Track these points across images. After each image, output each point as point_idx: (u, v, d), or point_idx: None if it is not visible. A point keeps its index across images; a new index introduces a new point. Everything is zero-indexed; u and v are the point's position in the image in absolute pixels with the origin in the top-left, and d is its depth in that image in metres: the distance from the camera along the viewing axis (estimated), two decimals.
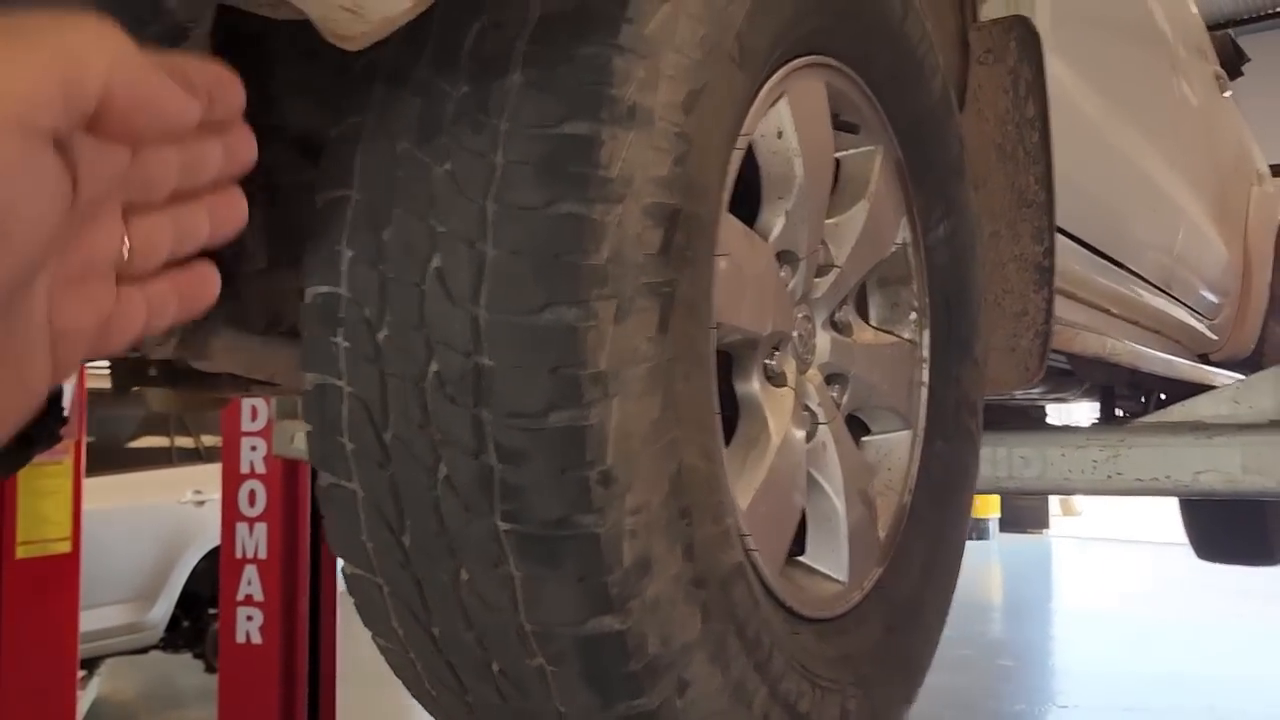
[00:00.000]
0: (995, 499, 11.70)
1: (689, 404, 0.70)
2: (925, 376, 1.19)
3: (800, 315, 0.98)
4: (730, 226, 0.81)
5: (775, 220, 0.93)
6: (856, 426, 1.14)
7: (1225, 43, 3.24)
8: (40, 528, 3.71)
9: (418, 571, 0.71)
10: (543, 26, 0.68)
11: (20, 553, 3.62)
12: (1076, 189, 1.66)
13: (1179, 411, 1.74)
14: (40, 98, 0.35)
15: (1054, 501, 13.46)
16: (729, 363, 0.90)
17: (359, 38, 0.59)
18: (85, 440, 3.77)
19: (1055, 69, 1.49)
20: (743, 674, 0.76)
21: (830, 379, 1.05)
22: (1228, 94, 3.14)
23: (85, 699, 5.02)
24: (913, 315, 1.18)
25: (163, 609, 5.14)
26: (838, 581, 1.00)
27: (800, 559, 1.01)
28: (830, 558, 1.01)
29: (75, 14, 0.38)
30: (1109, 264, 1.91)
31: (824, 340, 1.03)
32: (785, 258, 0.95)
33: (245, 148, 0.45)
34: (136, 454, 5.39)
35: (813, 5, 0.87)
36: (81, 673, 4.95)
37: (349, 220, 0.70)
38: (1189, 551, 4.19)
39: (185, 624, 5.29)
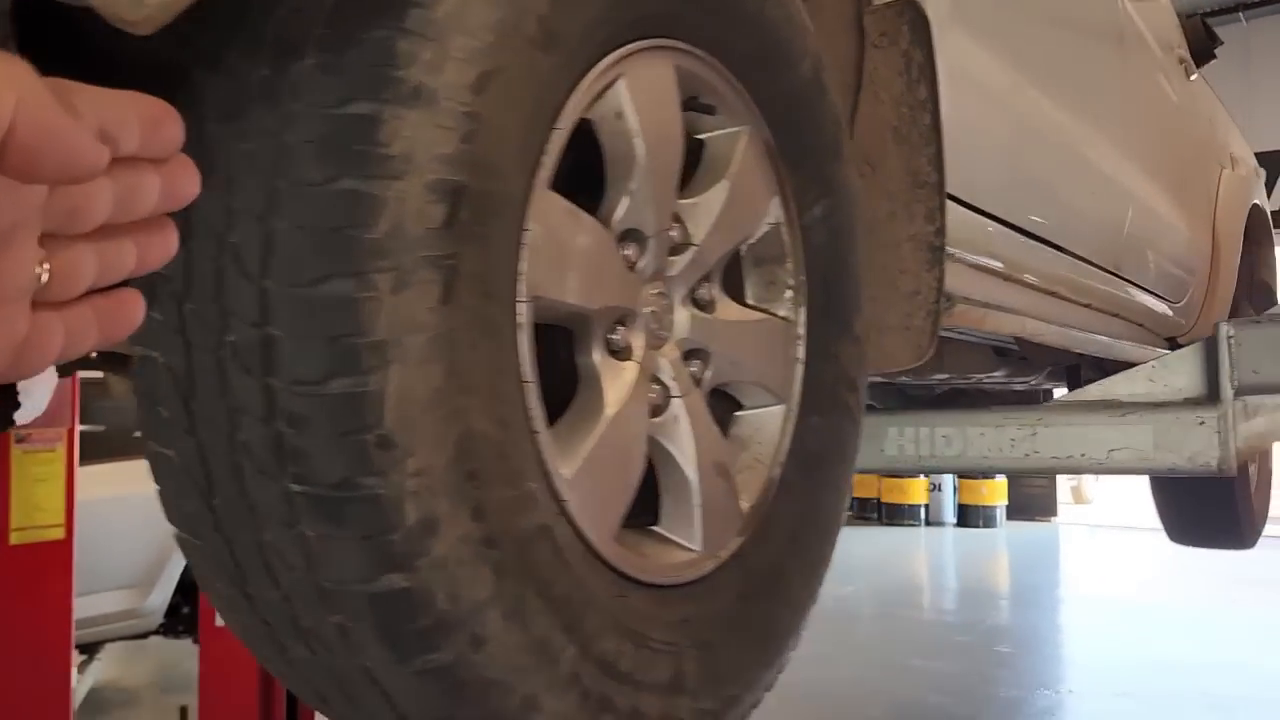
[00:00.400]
0: (1003, 487, 11.70)
1: (478, 373, 0.74)
2: (801, 353, 1.22)
3: (654, 292, 1.01)
4: (549, 203, 0.84)
5: (618, 199, 0.96)
6: (729, 402, 1.17)
7: (1196, 27, 3.24)
8: (33, 514, 3.77)
9: (228, 533, 0.75)
10: (338, 11, 0.71)
11: (14, 539, 3.69)
12: (1000, 172, 1.69)
13: (1096, 390, 1.76)
14: None
15: (1064, 490, 13.44)
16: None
17: (143, 22, 0.63)
18: (78, 428, 3.83)
19: (968, 52, 1.51)
20: (546, 632, 0.80)
21: (690, 354, 1.08)
22: (1194, 77, 3.14)
23: (84, 684, 5.12)
24: (788, 293, 1.21)
25: (162, 595, 5.22)
26: (689, 549, 1.03)
27: (654, 527, 1.05)
28: (682, 526, 1.04)
29: None
30: (1042, 245, 1.93)
31: (683, 316, 1.06)
32: (632, 236, 0.98)
33: (186, 181, 0.47)
34: (138, 443, 5.47)
35: None
36: (81, 658, 5.05)
37: None
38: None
39: (185, 610, 5.37)
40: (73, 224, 0.43)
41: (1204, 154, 3.18)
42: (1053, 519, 12.50)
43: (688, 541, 1.04)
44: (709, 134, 1.11)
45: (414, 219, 0.69)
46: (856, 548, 10.79)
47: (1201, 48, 3.26)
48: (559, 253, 0.86)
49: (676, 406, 1.03)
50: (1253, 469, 3.62)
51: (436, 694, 0.76)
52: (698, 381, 1.08)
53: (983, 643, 6.81)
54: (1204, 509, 3.34)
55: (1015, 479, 11.97)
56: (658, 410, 1.02)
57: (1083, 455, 1.72)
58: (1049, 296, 1.97)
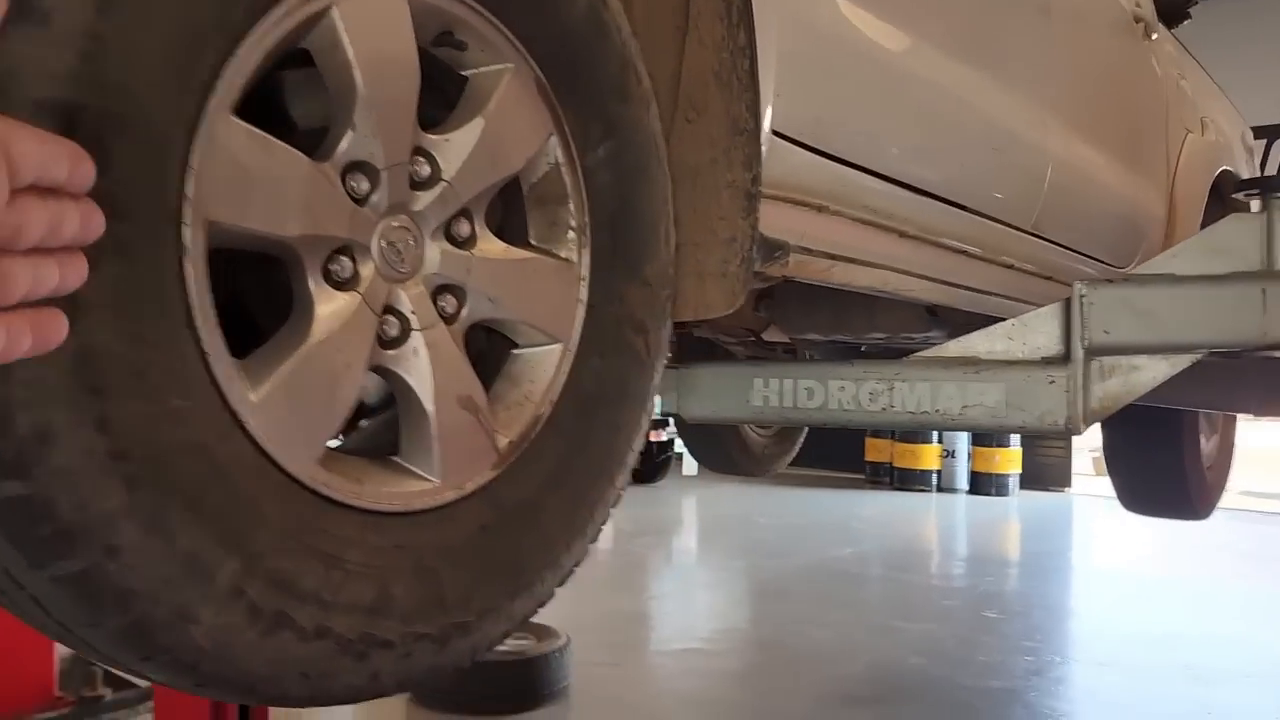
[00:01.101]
0: (1017, 455, 11.61)
1: (101, 290, 0.76)
2: (584, 295, 1.23)
3: (394, 225, 1.03)
4: (229, 128, 0.86)
5: (341, 131, 0.97)
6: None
7: None
8: None
9: None
10: None
11: None
12: (857, 116, 1.67)
13: (956, 347, 1.75)
14: None
15: (1085, 461, 13.29)
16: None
17: None
18: None
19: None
20: (198, 546, 0.82)
21: (443, 289, 1.09)
22: (1155, 37, 3.06)
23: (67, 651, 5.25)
24: (570, 235, 1.22)
25: None
26: (426, 479, 1.06)
27: (394, 456, 1.07)
28: (419, 457, 1.06)
29: None
30: (920, 197, 1.90)
31: (433, 252, 1.08)
32: (360, 168, 0.99)
33: (96, 218, 0.57)
34: None
35: None
36: None
37: None
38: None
39: None
40: (14, 241, 0.50)
41: (1161, 116, 3.11)
42: (1066, 489, 12.40)
43: (425, 471, 1.06)
44: (471, 71, 1.12)
45: None
46: (865, 511, 10.80)
47: (1172, 9, 3.18)
48: (241, 179, 0.87)
49: (416, 339, 1.05)
50: (1209, 442, 3.57)
51: (77, 599, 0.80)
52: (448, 318, 1.09)
53: (972, 607, 6.81)
54: (1153, 478, 3.31)
55: (1030, 447, 11.87)
56: (395, 342, 1.04)
57: (938, 411, 1.71)
58: (935, 251, 1.95)
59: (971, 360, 1.72)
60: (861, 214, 1.71)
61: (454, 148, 1.08)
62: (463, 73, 1.12)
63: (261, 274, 1.01)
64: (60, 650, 5.06)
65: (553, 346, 1.20)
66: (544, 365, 1.20)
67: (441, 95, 1.12)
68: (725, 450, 4.34)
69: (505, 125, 1.12)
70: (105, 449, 0.76)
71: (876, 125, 1.71)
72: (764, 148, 1.47)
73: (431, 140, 1.06)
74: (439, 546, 1.04)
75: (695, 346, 3.48)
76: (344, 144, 0.97)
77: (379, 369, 1.03)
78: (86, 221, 0.56)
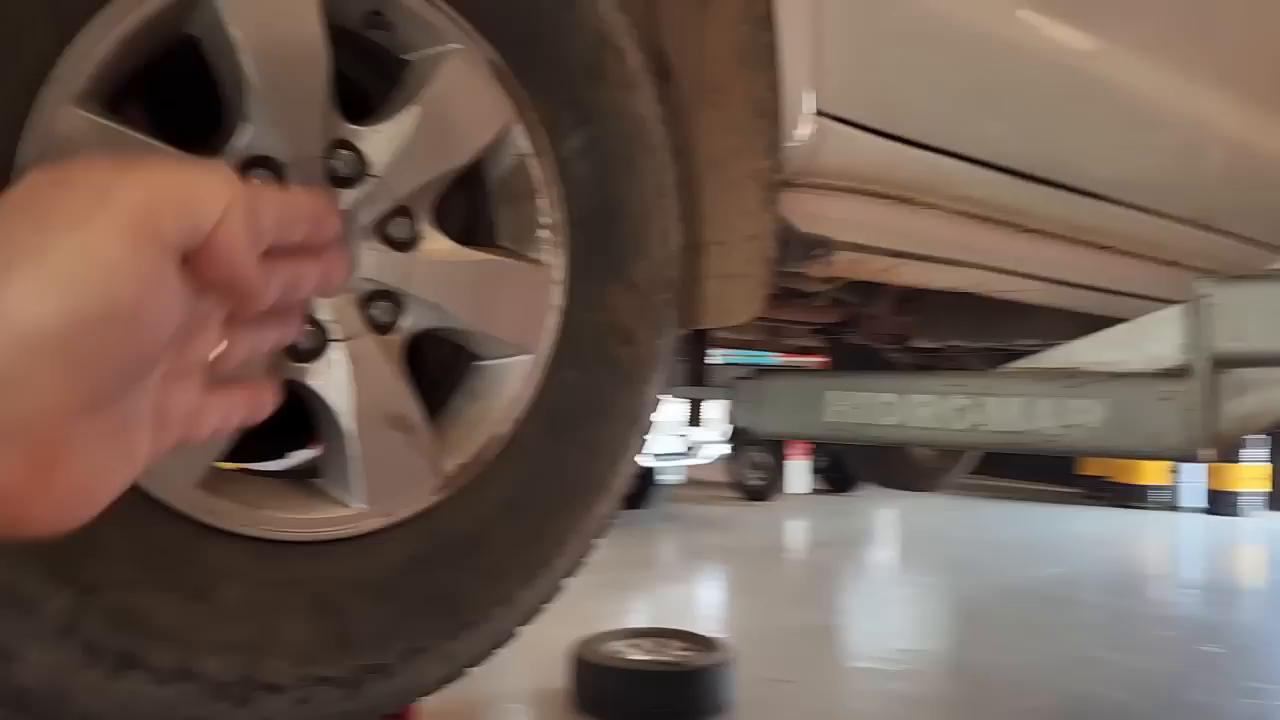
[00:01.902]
0: (1264, 471, 10.50)
1: None
2: (559, 300, 1.10)
3: None
4: (72, 120, 0.79)
5: (234, 123, 0.89)
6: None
7: None
8: None
9: None
10: None
11: None
12: (933, 92, 1.46)
13: (1056, 356, 1.51)
14: (162, 211, 0.41)
15: None
16: None
17: None
18: None
19: None
20: (14, 578, 0.75)
21: (375, 296, 0.99)
22: None
23: None
24: (543, 233, 1.09)
25: None
26: (345, 505, 0.96)
27: (314, 479, 0.98)
28: (338, 481, 0.96)
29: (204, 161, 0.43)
30: (1044, 187, 1.66)
31: (366, 254, 0.98)
32: (263, 163, 0.90)
33: (339, 270, 0.52)
34: None
35: None
36: None
37: None
38: None
39: None
40: (243, 310, 0.48)
41: None
42: None
43: (344, 496, 0.96)
44: (412, 55, 1.01)
45: None
46: (1078, 528, 10.03)
47: None
48: None
49: (335, 351, 0.95)
50: None
51: None
52: (381, 326, 0.99)
53: (1191, 640, 6.16)
54: None
55: None
56: (309, 355, 0.95)
57: (1032, 431, 1.47)
58: (1051, 245, 1.69)
59: (1073, 372, 1.47)
60: (946, 203, 1.49)
61: (384, 139, 0.98)
62: (403, 57, 1.02)
63: None
64: None
65: (519, 358, 1.08)
66: (508, 379, 1.08)
67: (387, 83, 1.03)
68: (883, 461, 4.08)
69: (447, 113, 1.00)
70: None
71: (959, 100, 1.48)
72: (807, 130, 1.30)
73: (356, 131, 0.96)
74: (349, 579, 0.94)
75: (853, 354, 3.27)
76: (238, 137, 0.89)
77: (288, 383, 0.94)
78: (327, 275, 0.50)
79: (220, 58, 0.88)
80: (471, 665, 1.04)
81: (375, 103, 1.02)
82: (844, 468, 11.19)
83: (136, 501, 0.82)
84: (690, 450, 10.26)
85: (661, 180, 1.16)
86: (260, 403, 0.52)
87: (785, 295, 2.03)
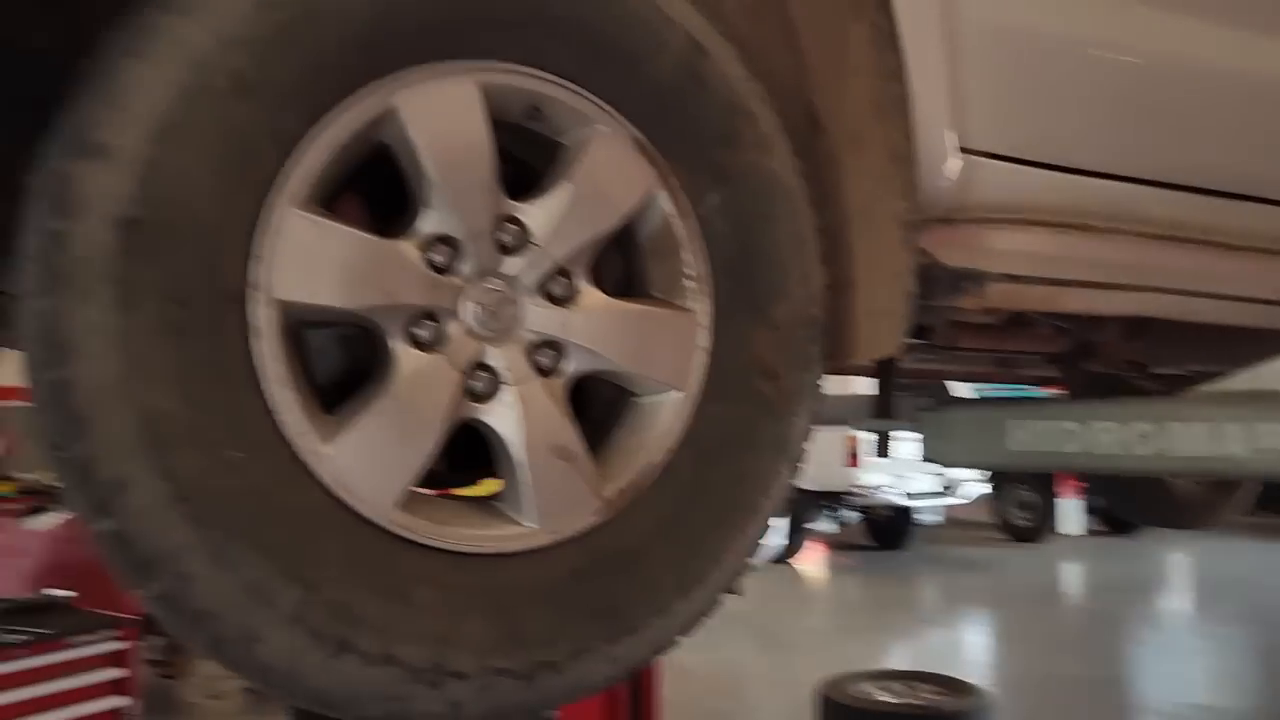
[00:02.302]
0: None
1: (163, 364, 0.93)
2: (705, 342, 1.23)
3: (486, 288, 1.12)
4: (294, 221, 1.01)
5: (419, 210, 1.09)
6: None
7: None
8: None
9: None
10: (68, 85, 0.96)
11: None
12: (1102, 117, 1.48)
13: (1243, 380, 1.48)
14: None
15: None
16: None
17: None
18: None
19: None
20: (258, 577, 0.97)
21: (541, 345, 1.16)
22: None
23: None
24: (688, 284, 1.23)
25: None
26: (518, 524, 1.13)
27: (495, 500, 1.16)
28: (513, 503, 1.14)
29: None
30: (1245, 203, 1.62)
31: (530, 310, 1.16)
32: (444, 241, 1.10)
33: None
34: None
35: (372, 29, 1.02)
36: None
37: None
38: None
39: None
40: None
41: None
42: None
43: (519, 516, 1.13)
44: (565, 137, 1.19)
45: (92, 246, 0.91)
46: None
47: None
48: (310, 263, 1.02)
49: (507, 393, 1.13)
50: None
51: (167, 617, 0.98)
52: (547, 371, 1.16)
53: None
54: None
55: None
56: (485, 396, 1.13)
57: (1221, 456, 1.45)
58: (1240, 261, 1.64)
59: (1263, 396, 1.44)
60: (1103, 224, 1.49)
61: (543, 212, 1.15)
62: (559, 140, 1.20)
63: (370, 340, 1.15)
64: None
65: (670, 395, 1.22)
66: (661, 414, 1.22)
67: (550, 163, 1.21)
68: (1143, 498, 3.87)
69: (596, 185, 1.17)
70: (170, 493, 0.94)
71: (1105, 120, 1.49)
72: (953, 168, 1.38)
73: (519, 207, 1.15)
74: (522, 587, 1.11)
75: (1095, 382, 3.18)
76: (422, 221, 1.09)
77: (471, 421, 1.13)
78: None
79: (405, 159, 1.09)
80: (634, 667, 1.18)
81: (537, 179, 1.19)
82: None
83: (348, 517, 1.03)
84: (948, 489, 9.98)
85: (799, 228, 1.27)
86: None
87: (1008, 326, 2.06)
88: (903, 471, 9.37)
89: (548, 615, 1.12)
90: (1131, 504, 3.91)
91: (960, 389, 7.02)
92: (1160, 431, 1.51)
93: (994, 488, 10.82)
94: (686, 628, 1.22)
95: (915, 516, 10.31)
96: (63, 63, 1.05)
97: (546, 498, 1.14)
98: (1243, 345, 2.43)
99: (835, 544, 11.03)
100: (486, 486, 1.29)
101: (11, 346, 1.44)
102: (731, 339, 1.24)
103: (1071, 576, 10.21)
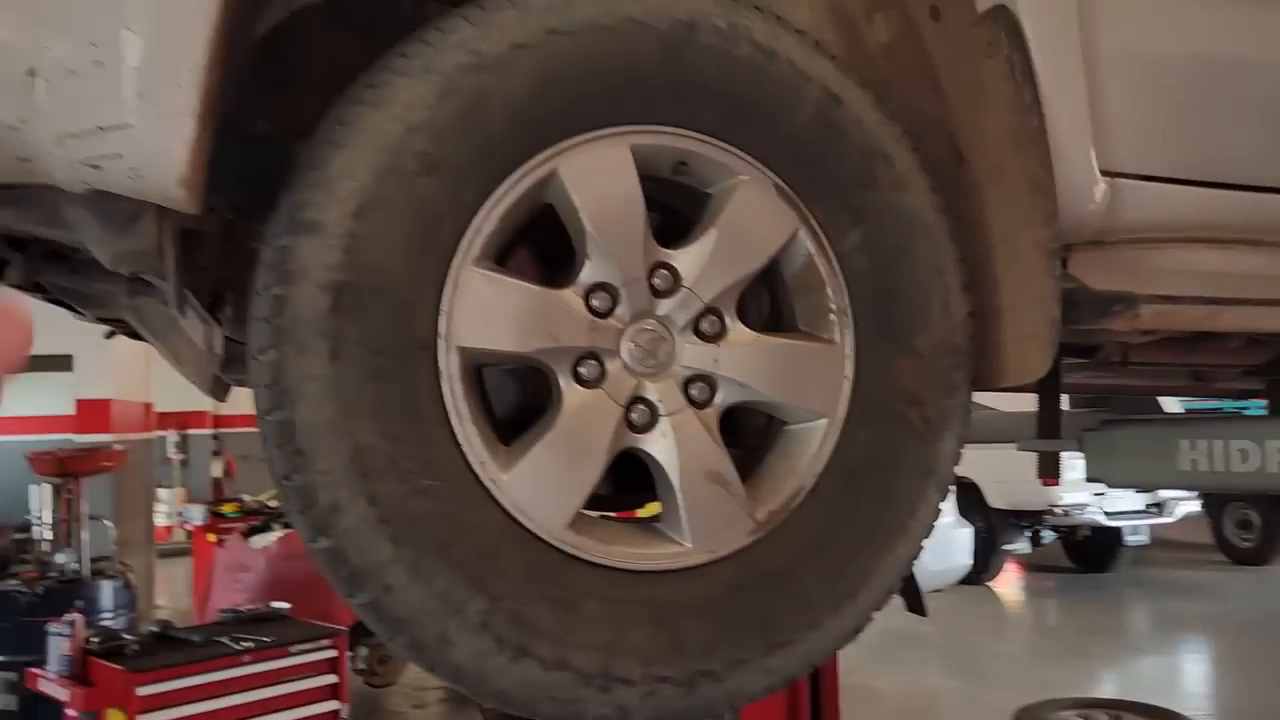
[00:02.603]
0: None
1: (368, 406, 1.09)
2: (849, 371, 1.31)
3: (645, 329, 1.24)
4: (472, 277, 1.16)
5: (580, 262, 1.22)
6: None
7: None
8: None
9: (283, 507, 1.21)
10: (285, 172, 1.14)
11: None
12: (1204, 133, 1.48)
13: None
14: None
15: None
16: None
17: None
18: None
19: (1111, 24, 1.41)
20: (449, 588, 1.11)
21: (693, 379, 1.27)
22: None
23: None
24: (832, 317, 1.31)
25: None
26: (679, 544, 1.23)
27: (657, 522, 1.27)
28: (672, 524, 1.24)
29: None
30: None
31: (683, 347, 1.27)
32: (603, 288, 1.23)
33: None
34: None
35: (533, 109, 1.16)
36: None
37: None
38: None
39: None
40: None
41: None
42: None
43: (677, 536, 1.24)
44: (712, 188, 1.30)
45: (307, 307, 1.08)
46: None
47: None
48: (486, 314, 1.16)
49: (663, 424, 1.25)
50: None
51: (374, 623, 1.13)
52: (699, 403, 1.27)
53: None
54: None
55: None
56: (645, 427, 1.25)
57: None
58: None
59: None
60: (1266, 237, 1.48)
61: (692, 258, 1.26)
62: (706, 190, 1.30)
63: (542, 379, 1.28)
64: None
65: (818, 422, 1.30)
66: (809, 440, 1.30)
67: (697, 210, 1.32)
68: None
69: (741, 231, 1.27)
70: (376, 516, 1.09)
71: (1253, 131, 1.47)
72: (1097, 192, 1.41)
73: (670, 254, 1.26)
74: (681, 601, 1.21)
75: None
76: (583, 271, 1.22)
77: (632, 450, 1.24)
78: None
79: (567, 217, 1.22)
80: (790, 679, 1.26)
81: (685, 225, 1.30)
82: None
83: (524, 537, 1.16)
84: (1154, 507, 9.43)
85: (939, 260, 1.33)
86: None
87: (1193, 340, 2.03)
88: (1104, 490, 8.95)
89: (706, 628, 1.22)
90: None
91: (1170, 404, 6.68)
92: None
93: (1207, 506, 10.15)
94: (839, 643, 1.29)
95: (1126, 538, 9.78)
96: (281, 147, 1.25)
97: (702, 519, 1.24)
98: None
99: (1032, 565, 10.61)
100: (651, 509, 1.40)
101: (241, 385, 1.67)
102: (875, 368, 1.31)
103: None
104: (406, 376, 1.12)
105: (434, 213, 1.14)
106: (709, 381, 1.28)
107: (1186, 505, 9.70)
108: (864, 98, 1.31)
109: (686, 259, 1.27)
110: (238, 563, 6.05)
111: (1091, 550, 9.99)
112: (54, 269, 1.52)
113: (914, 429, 1.32)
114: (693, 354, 1.27)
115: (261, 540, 6.15)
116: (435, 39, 1.15)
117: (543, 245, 1.31)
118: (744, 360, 1.28)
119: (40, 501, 5.38)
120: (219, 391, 1.93)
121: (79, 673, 3.47)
